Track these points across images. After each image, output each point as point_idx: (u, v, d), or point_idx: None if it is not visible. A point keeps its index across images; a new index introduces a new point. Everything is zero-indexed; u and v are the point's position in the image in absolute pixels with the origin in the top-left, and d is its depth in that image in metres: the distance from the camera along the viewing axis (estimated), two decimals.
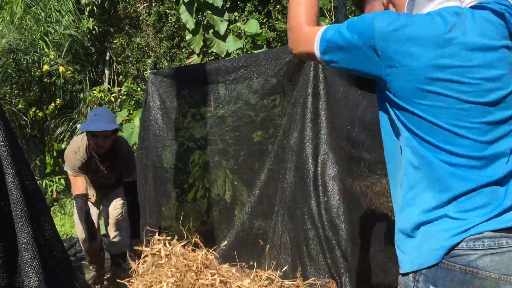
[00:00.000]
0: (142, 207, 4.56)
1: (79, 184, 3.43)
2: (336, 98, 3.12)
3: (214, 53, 7.33)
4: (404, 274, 1.38)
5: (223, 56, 6.80)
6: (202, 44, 7.00)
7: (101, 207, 4.00)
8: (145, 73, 10.06)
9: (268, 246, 3.63)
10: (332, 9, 6.38)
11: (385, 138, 1.51)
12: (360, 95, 2.86)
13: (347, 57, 1.38)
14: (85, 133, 3.46)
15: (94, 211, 3.79)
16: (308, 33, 1.46)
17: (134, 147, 5.41)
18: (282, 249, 3.44)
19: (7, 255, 1.15)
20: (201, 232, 4.06)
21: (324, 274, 3.09)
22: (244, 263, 3.61)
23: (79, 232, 3.73)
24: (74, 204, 3.68)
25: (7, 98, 7.69)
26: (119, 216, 3.86)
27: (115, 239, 3.86)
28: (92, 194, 3.76)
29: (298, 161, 3.35)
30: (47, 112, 7.83)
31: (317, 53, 1.43)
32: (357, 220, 2.96)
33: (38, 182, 7.48)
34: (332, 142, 3.15)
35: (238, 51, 6.90)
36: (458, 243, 1.25)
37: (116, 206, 3.85)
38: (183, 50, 9.54)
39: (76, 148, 3.41)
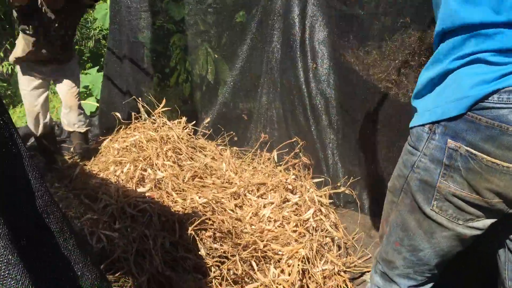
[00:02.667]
0: (121, 87, 4.31)
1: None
2: None
3: None
4: (417, 126, 1.19)
5: None
6: None
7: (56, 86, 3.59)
8: None
9: (252, 121, 3.46)
10: None
11: None
12: None
13: None
14: None
15: (43, 92, 3.41)
16: None
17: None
18: (268, 123, 3.27)
19: None
20: (184, 114, 3.87)
21: (312, 146, 2.95)
22: (227, 140, 3.49)
23: (29, 112, 3.41)
24: (19, 71, 3.31)
25: None
26: (77, 95, 3.53)
27: (72, 118, 3.57)
28: (42, 63, 3.30)
29: (284, 25, 3.03)
30: None
31: None
32: (348, 88, 2.73)
33: (10, 67, 6.99)
34: (321, 3, 2.82)
35: None
36: (489, 94, 1.03)
37: (72, 85, 3.46)
38: None
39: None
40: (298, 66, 2.90)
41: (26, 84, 3.34)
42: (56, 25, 3.08)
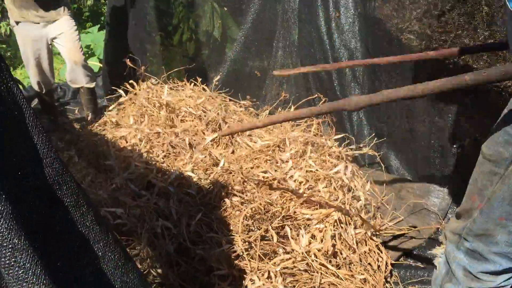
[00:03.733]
0: (124, 47, 4.08)
1: None
2: None
3: None
4: None
5: None
6: None
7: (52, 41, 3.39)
8: None
9: (267, 78, 3.25)
10: None
11: None
12: None
13: None
14: None
15: (44, 43, 3.22)
16: None
17: None
18: (285, 79, 3.06)
19: None
20: (191, 74, 3.66)
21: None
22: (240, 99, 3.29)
23: (31, 73, 3.26)
24: (12, 23, 3.17)
25: None
26: (80, 48, 3.34)
27: (79, 74, 3.39)
28: (27, 11, 3.09)
29: None
30: None
31: None
32: (376, 41, 2.49)
33: (8, 27, 6.72)
34: None
35: None
36: None
37: (74, 39, 3.27)
38: None
39: None
40: (319, 16, 2.65)
41: (25, 42, 3.18)
42: None
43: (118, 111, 3.16)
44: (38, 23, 3.14)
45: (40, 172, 0.83)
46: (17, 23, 3.13)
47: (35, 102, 3.94)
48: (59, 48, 3.30)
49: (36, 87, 3.40)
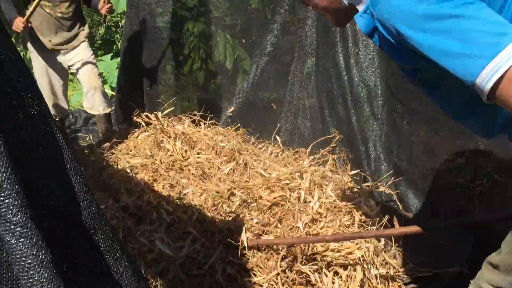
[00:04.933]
0: (137, 75, 4.11)
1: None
2: None
3: None
4: None
5: None
6: None
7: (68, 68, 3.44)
8: None
9: (282, 111, 3.23)
10: None
11: None
12: None
13: None
14: None
15: (61, 70, 3.27)
16: None
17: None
18: (301, 113, 3.04)
19: None
20: (203, 103, 3.67)
21: (352, 139, 2.71)
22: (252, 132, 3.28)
23: (46, 100, 3.28)
24: (30, 49, 3.22)
25: None
26: (98, 75, 3.40)
27: (97, 100, 3.42)
28: (48, 39, 3.17)
29: None
30: None
31: None
32: (396, 78, 2.48)
33: None
34: None
35: None
36: None
37: (92, 66, 3.33)
38: None
39: None
40: (337, 51, 2.66)
41: (42, 69, 3.22)
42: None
43: (131, 140, 3.14)
44: (58, 51, 3.18)
45: (78, 216, 0.79)
46: (35, 49, 3.17)
47: None
48: (78, 75, 3.34)
49: (52, 110, 3.40)
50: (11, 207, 0.62)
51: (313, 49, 2.89)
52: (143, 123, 3.13)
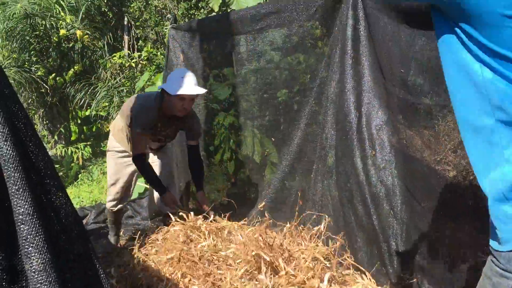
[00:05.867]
0: (170, 173, 4.36)
1: (142, 144, 3.30)
2: (383, 39, 2.73)
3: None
4: (506, 251, 1.09)
5: None
6: (220, 1, 6.60)
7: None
8: (164, 39, 9.71)
9: (306, 207, 3.36)
10: None
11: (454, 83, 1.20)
12: (414, 31, 2.45)
13: None
14: (153, 93, 3.41)
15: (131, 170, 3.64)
16: None
17: None
18: (323, 210, 3.16)
19: (4, 229, 0.86)
20: (230, 195, 3.85)
21: (373, 238, 2.79)
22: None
23: (114, 191, 3.67)
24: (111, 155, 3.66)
25: (26, 65, 7.49)
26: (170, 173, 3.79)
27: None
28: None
29: (338, 113, 3.02)
30: (66, 78, 7.61)
31: None
32: (414, 178, 2.60)
33: (64, 149, 7.37)
34: (377, 89, 2.80)
35: None
36: None
37: (162, 168, 3.78)
38: (202, 10, 9.16)
39: (148, 108, 3.23)
40: (355, 153, 2.83)
41: (119, 165, 3.64)
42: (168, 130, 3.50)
43: (164, 235, 3.28)
44: None
45: None
46: (117, 150, 3.59)
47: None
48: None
49: (110, 204, 3.73)
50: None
51: (333, 150, 3.07)
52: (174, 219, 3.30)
